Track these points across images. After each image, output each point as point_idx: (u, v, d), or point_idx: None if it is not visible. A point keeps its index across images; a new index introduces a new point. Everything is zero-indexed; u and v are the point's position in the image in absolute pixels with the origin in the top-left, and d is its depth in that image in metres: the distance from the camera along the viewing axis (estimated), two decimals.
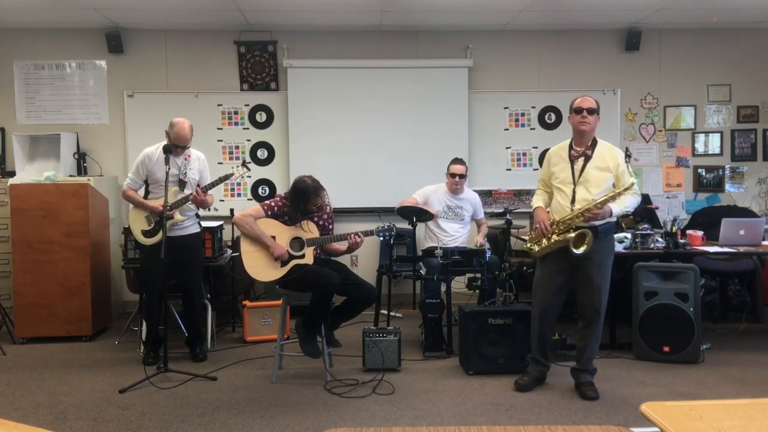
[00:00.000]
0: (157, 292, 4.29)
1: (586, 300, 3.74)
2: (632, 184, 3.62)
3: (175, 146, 4.25)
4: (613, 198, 3.61)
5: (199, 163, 4.43)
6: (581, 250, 3.58)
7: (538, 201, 3.91)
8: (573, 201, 3.67)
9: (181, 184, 4.31)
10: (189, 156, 4.36)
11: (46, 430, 1.91)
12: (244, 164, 4.44)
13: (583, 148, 3.71)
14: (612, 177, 3.68)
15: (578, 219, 3.63)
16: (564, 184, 3.73)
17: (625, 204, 3.67)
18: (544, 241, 3.74)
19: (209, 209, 4.64)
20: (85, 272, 5.04)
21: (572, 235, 3.60)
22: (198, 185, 4.37)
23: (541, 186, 3.95)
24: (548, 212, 3.82)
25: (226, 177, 4.34)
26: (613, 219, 3.73)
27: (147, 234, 4.35)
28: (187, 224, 4.41)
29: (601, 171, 3.66)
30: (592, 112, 3.66)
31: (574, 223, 3.64)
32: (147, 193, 4.42)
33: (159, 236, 4.25)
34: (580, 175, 3.68)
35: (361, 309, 4.08)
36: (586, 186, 3.66)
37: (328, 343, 4.11)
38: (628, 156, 3.69)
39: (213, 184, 4.34)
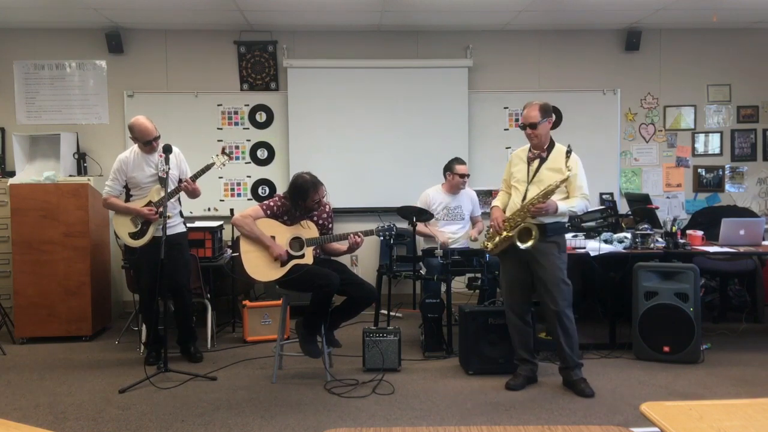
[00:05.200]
0: (152, 292, 4.28)
1: (542, 298, 3.85)
2: (567, 179, 3.67)
3: (146, 143, 4.26)
4: (552, 192, 3.68)
5: (175, 158, 4.41)
6: (527, 244, 3.71)
7: (496, 201, 4.05)
8: (524, 199, 3.79)
9: (162, 181, 4.27)
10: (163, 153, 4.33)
11: (46, 430, 1.91)
12: (223, 152, 4.45)
13: (539, 151, 3.84)
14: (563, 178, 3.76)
15: (526, 214, 3.73)
16: (519, 183, 3.87)
17: (572, 204, 3.77)
18: (497, 237, 3.86)
19: (210, 209, 4.62)
20: (85, 272, 5.04)
21: (516, 229, 3.72)
22: (180, 180, 4.38)
23: (504, 187, 4.08)
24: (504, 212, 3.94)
25: (208, 167, 4.33)
26: (563, 218, 3.83)
27: (134, 236, 4.34)
28: (172, 223, 4.38)
29: (554, 172, 3.76)
30: (533, 126, 3.79)
31: (523, 217, 3.75)
32: (128, 197, 4.41)
33: (147, 237, 4.29)
34: (534, 175, 3.80)
35: (361, 309, 4.09)
36: (538, 185, 3.77)
37: (328, 343, 4.11)
38: (568, 152, 3.72)
39: (197, 175, 4.33)
